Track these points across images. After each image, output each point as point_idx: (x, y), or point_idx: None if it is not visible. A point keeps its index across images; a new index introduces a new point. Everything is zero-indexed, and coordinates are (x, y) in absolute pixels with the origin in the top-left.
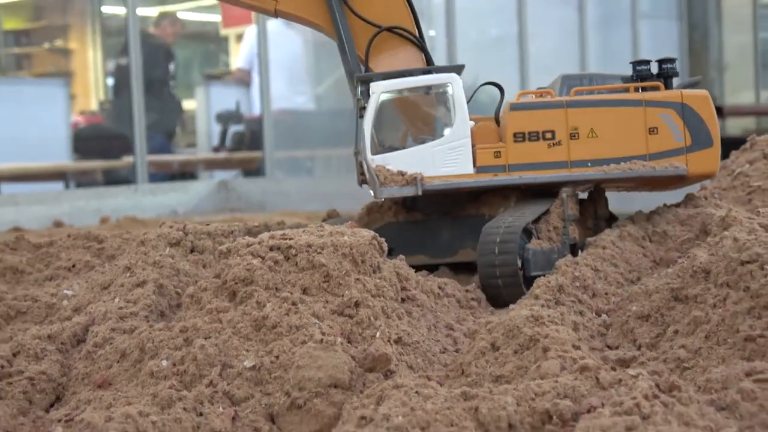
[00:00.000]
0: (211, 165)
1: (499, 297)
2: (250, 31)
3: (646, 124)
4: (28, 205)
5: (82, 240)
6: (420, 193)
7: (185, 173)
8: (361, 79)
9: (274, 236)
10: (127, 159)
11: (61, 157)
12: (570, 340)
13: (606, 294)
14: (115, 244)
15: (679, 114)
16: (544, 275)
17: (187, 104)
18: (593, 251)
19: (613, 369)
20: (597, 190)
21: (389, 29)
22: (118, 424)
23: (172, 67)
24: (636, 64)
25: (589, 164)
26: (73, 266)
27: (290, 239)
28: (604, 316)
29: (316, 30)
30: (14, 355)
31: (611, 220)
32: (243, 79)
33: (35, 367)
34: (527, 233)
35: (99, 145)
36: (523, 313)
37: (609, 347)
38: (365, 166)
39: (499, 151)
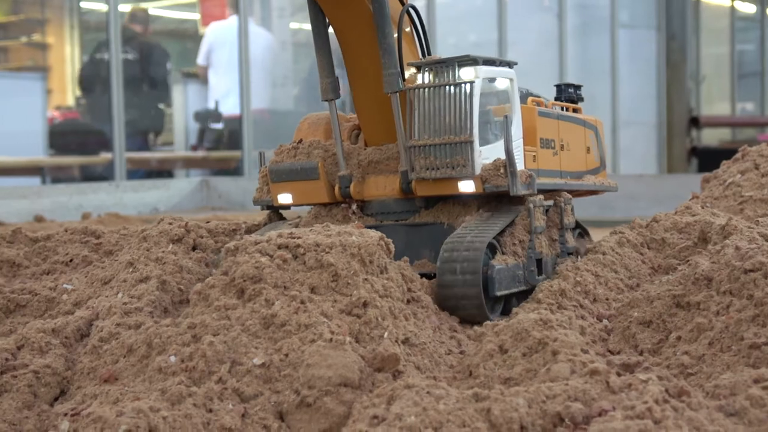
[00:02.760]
0: (189, 164)
1: (459, 317)
2: (211, 28)
3: (586, 142)
4: (9, 199)
5: (80, 235)
6: (536, 191)
7: (162, 171)
8: (461, 61)
9: (282, 235)
10: (105, 155)
11: (37, 151)
12: (579, 344)
13: (607, 299)
14: (112, 240)
15: (596, 136)
16: (508, 294)
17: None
18: (593, 257)
19: (619, 374)
20: (563, 197)
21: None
22: (129, 419)
23: (169, 66)
24: (564, 86)
25: (568, 176)
26: (71, 261)
27: (298, 238)
28: (605, 321)
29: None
30: (18, 348)
31: (578, 229)
32: (202, 76)
33: (40, 361)
34: (491, 248)
35: (75, 141)
36: (531, 316)
37: (611, 352)
38: (468, 158)
39: (535, 155)
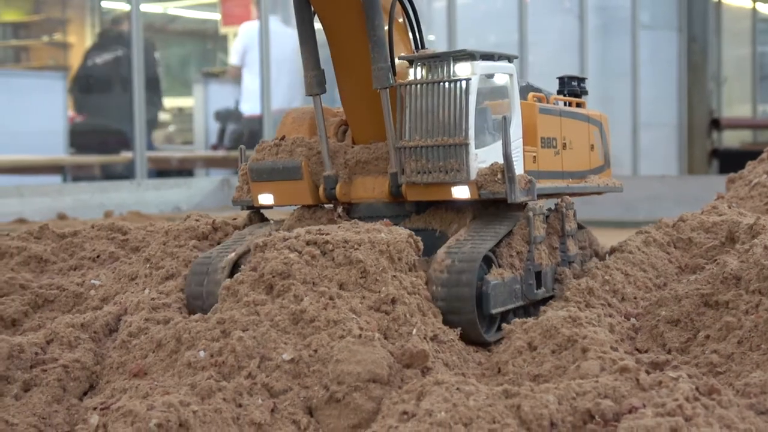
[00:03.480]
0: (210, 163)
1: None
2: (244, 28)
3: (590, 140)
4: (33, 196)
5: (106, 231)
6: (536, 198)
7: (182, 171)
8: (456, 56)
9: (311, 231)
10: (125, 154)
11: (58, 150)
12: (608, 342)
13: (634, 298)
14: (139, 236)
15: (601, 133)
16: (504, 311)
17: (185, 102)
18: (621, 256)
19: (648, 372)
20: (564, 202)
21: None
22: (160, 413)
23: (157, 56)
24: (568, 79)
25: (570, 177)
26: (98, 257)
27: (327, 234)
28: (632, 319)
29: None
30: (48, 342)
31: (581, 232)
32: (235, 77)
33: (69, 355)
34: (487, 261)
35: (95, 140)
36: (560, 314)
37: (638, 350)
38: (463, 162)
39: (535, 156)
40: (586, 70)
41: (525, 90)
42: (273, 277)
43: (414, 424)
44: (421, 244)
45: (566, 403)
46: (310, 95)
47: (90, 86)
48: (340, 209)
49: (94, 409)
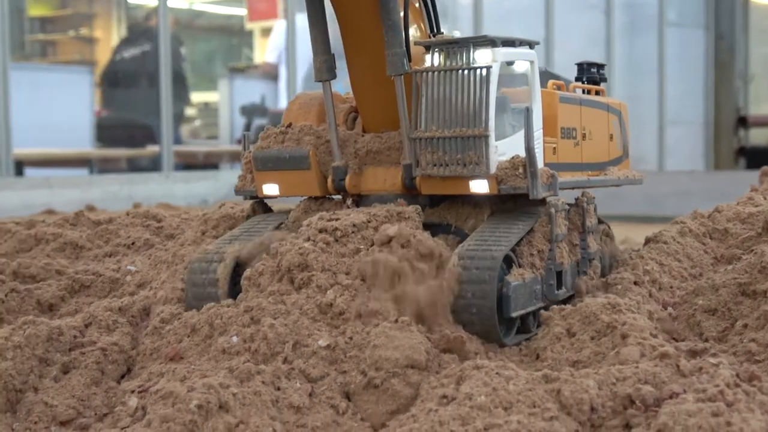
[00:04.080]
0: (235, 157)
1: (473, 332)
2: (279, 26)
3: (609, 129)
4: (62, 188)
5: (141, 218)
6: (558, 193)
7: (207, 165)
8: (476, 42)
9: (323, 217)
10: (152, 148)
11: (84, 144)
12: (648, 328)
13: (671, 288)
14: (174, 224)
15: (620, 122)
16: (524, 313)
17: (210, 96)
18: (656, 246)
19: (688, 358)
20: (585, 196)
21: None
22: (200, 394)
23: (183, 51)
24: (587, 66)
25: (589, 169)
26: (133, 244)
27: (336, 220)
28: (669, 308)
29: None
30: (86, 326)
31: (601, 227)
32: (270, 73)
33: (107, 338)
34: (507, 260)
35: (121, 134)
36: (599, 300)
37: (675, 339)
38: (483, 154)
39: (555, 147)
40: (612, 68)
41: (543, 77)
42: (291, 270)
43: (454, 408)
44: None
45: (606, 388)
46: (320, 81)
47: (118, 81)
48: (349, 201)
49: (132, 392)
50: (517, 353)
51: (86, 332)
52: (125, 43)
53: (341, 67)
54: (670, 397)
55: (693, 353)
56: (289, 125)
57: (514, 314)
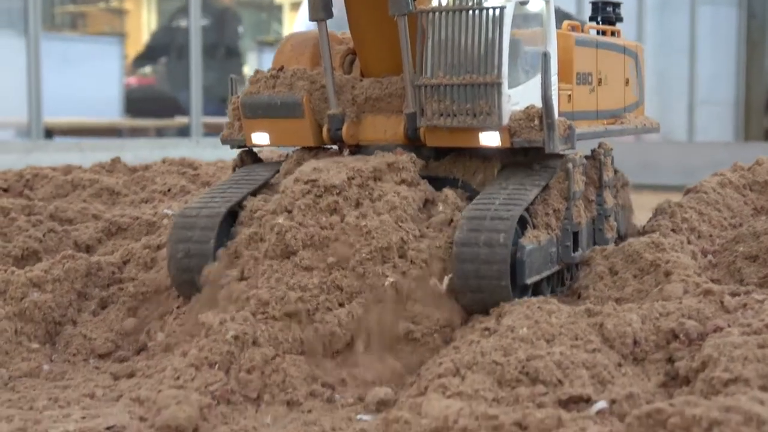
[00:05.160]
0: None
1: (479, 305)
2: None
3: (625, 73)
4: (92, 151)
5: (177, 166)
6: (575, 146)
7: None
8: None
9: (299, 178)
10: (180, 119)
11: (113, 115)
12: (692, 266)
13: (710, 236)
14: (210, 171)
15: (636, 65)
16: (539, 279)
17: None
18: (695, 196)
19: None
20: (603, 148)
21: None
22: (238, 325)
23: (240, 30)
24: (602, 4)
25: (605, 116)
26: (168, 190)
27: (314, 182)
28: (709, 256)
29: None
30: (124, 263)
31: (618, 179)
32: None
33: (145, 275)
34: (521, 222)
35: (150, 107)
36: (643, 239)
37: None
38: (495, 104)
39: (570, 95)
40: (644, 45)
41: (557, 17)
42: (275, 249)
43: (496, 339)
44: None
45: (649, 322)
46: (315, 20)
47: (151, 53)
48: (346, 152)
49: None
50: (559, 294)
51: (124, 269)
52: (179, 13)
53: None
54: (714, 331)
55: (735, 295)
56: (281, 68)
57: (528, 281)
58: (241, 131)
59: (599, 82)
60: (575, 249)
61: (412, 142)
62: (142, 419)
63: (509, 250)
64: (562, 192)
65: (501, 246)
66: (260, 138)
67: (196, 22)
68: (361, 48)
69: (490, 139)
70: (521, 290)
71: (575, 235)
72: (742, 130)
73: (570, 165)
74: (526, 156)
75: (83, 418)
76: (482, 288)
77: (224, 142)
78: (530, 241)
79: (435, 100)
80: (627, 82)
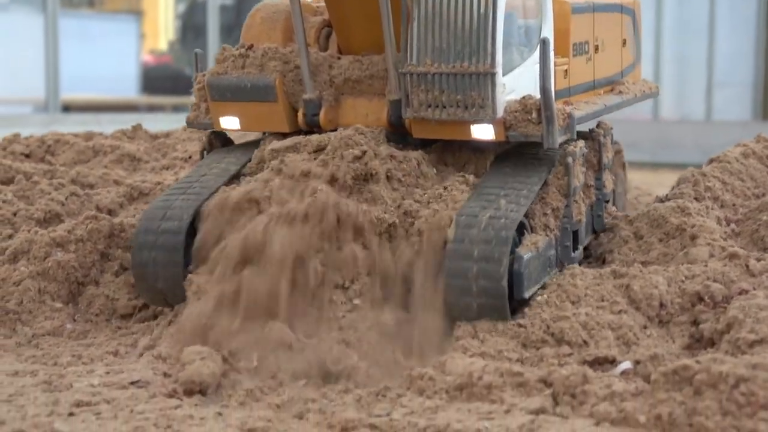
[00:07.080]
0: None
1: (470, 320)
2: None
3: (622, 34)
4: (111, 125)
5: (199, 133)
6: (575, 135)
7: None
8: None
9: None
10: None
11: (130, 93)
12: (718, 230)
13: (734, 205)
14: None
15: (633, 23)
16: (536, 293)
17: None
18: (718, 165)
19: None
20: (602, 128)
21: None
22: None
23: None
24: None
25: (602, 85)
26: (190, 158)
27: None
28: (732, 225)
29: None
30: None
31: (618, 159)
32: None
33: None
34: (518, 227)
35: (167, 85)
36: (669, 204)
37: None
38: (488, 95)
39: (567, 69)
40: (662, 27)
41: None
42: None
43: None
44: None
45: (675, 285)
46: None
47: (169, 30)
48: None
49: None
50: (584, 260)
51: None
52: None
53: None
54: (740, 294)
55: (760, 259)
56: (251, 47)
57: (527, 294)
58: (209, 114)
59: (596, 49)
60: (575, 248)
61: (397, 129)
62: (165, 375)
63: (506, 264)
64: (561, 189)
65: (496, 262)
66: (229, 122)
67: (213, 1)
68: (338, 23)
69: (483, 132)
70: (518, 304)
71: (575, 233)
72: (761, 112)
73: (570, 159)
74: (518, 145)
75: (107, 373)
76: (476, 306)
77: (190, 125)
78: (528, 249)
79: (422, 90)
80: (624, 42)
